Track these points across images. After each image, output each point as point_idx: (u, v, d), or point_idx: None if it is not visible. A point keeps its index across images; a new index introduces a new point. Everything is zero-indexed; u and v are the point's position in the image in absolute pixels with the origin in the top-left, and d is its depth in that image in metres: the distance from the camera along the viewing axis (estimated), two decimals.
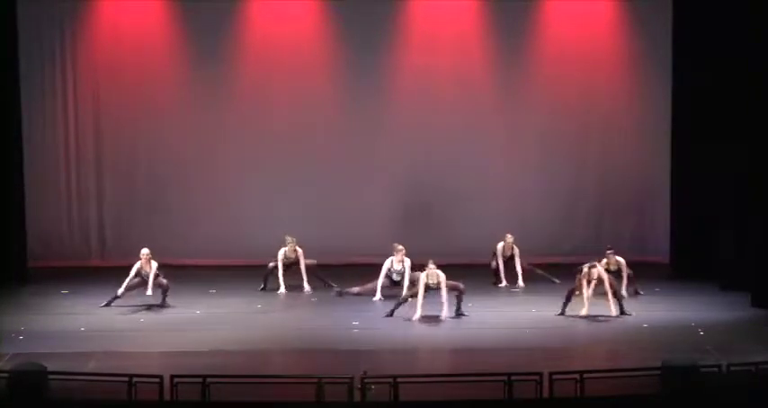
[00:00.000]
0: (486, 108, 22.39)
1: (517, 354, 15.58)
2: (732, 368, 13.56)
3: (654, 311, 18.16)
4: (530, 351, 15.81)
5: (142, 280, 18.45)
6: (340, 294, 19.33)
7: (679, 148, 21.20)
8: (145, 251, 18.54)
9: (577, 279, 17.67)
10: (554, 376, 13.19)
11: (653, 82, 22.05)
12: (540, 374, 13.20)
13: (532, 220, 21.95)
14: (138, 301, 18.79)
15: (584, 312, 17.58)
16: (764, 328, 17.00)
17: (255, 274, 20.05)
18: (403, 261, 18.94)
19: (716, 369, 13.59)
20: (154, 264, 18.47)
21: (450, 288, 17.64)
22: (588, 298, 17.60)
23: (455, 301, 17.74)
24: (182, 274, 20.75)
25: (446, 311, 17.61)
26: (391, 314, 17.78)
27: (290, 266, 19.77)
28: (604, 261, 18.74)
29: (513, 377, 13.10)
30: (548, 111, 22.30)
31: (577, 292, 17.67)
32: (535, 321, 17.65)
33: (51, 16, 21.84)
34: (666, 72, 21.40)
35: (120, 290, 18.29)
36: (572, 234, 21.56)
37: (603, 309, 18.16)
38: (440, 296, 17.61)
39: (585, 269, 17.62)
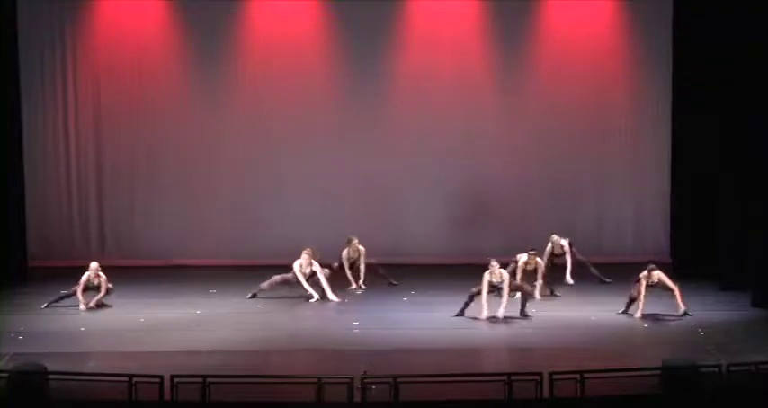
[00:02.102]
0: (486, 108, 22.39)
1: (517, 354, 15.69)
2: (732, 368, 13.59)
3: (654, 311, 18.10)
4: (530, 351, 15.88)
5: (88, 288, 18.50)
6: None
7: (679, 148, 21.21)
8: (94, 265, 18.53)
9: (638, 284, 17.75)
10: (554, 376, 13.22)
11: (654, 81, 22.05)
12: (541, 374, 13.23)
13: (532, 220, 21.97)
14: (137, 301, 18.90)
15: (638, 314, 17.64)
16: (764, 328, 17.03)
17: (256, 274, 20.05)
18: (312, 264, 19.08)
19: (716, 369, 13.63)
20: (103, 276, 18.48)
21: (514, 289, 17.68)
22: (644, 300, 17.68)
23: (521, 300, 17.73)
24: (182, 274, 20.99)
25: (502, 310, 17.53)
26: (461, 313, 17.77)
27: (353, 265, 19.86)
28: (524, 259, 18.93)
29: (513, 377, 13.14)
30: (548, 111, 22.30)
31: (635, 294, 17.78)
32: (535, 321, 17.67)
33: (51, 16, 21.83)
34: (667, 72, 21.43)
35: (82, 306, 18.29)
36: (573, 234, 21.49)
37: (603, 309, 18.27)
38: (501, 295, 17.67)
39: (645, 273, 17.67)
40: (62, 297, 18.41)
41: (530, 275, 19.01)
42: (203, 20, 21.94)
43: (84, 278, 18.41)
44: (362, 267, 19.87)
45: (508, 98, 22.40)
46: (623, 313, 17.82)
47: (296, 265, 19.13)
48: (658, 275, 17.74)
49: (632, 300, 17.86)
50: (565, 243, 20.08)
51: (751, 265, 18.60)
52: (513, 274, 18.57)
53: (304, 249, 19.23)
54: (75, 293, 18.37)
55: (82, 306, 18.28)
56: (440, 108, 22.25)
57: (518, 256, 19.17)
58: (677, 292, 17.73)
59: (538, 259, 19.09)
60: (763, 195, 18.77)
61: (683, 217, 21.02)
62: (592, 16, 22.29)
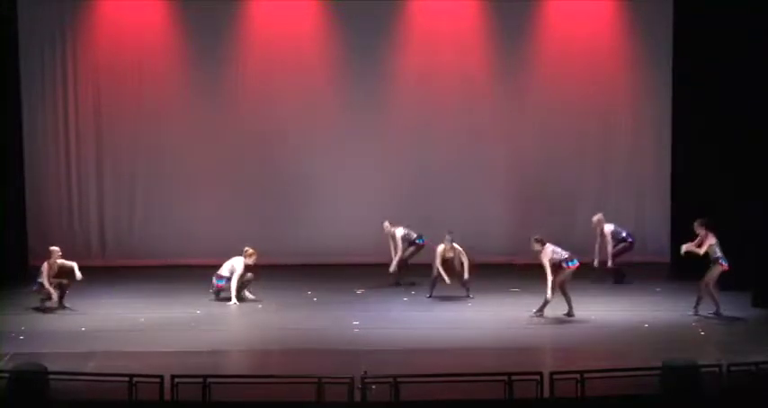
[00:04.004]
0: (486, 107, 22.42)
1: (518, 354, 15.65)
2: (732, 368, 13.59)
3: (654, 311, 18.22)
4: (530, 351, 15.90)
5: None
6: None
7: (679, 147, 21.21)
8: (56, 248, 18.53)
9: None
10: (554, 376, 13.22)
11: (654, 81, 22.08)
12: (541, 374, 13.23)
13: (533, 219, 21.92)
14: (137, 301, 18.98)
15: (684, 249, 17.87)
16: (764, 328, 17.08)
17: (256, 274, 20.01)
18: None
19: (716, 369, 13.61)
20: (59, 262, 18.37)
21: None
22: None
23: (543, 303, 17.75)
24: (182, 274, 20.95)
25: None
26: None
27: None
28: (442, 246, 19.00)
29: (513, 377, 13.12)
30: (548, 110, 22.35)
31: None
32: (536, 321, 17.67)
33: (52, 16, 21.87)
34: (667, 71, 21.44)
35: (54, 298, 18.19)
36: (572, 233, 21.50)
37: (603, 309, 18.29)
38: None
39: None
40: (40, 292, 18.27)
41: (450, 264, 19.05)
42: (204, 20, 21.99)
43: (45, 266, 18.24)
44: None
45: (508, 97, 22.43)
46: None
47: (240, 263, 19.01)
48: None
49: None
50: (608, 229, 20.22)
51: (751, 265, 18.56)
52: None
53: (248, 248, 19.11)
54: (43, 287, 18.19)
55: (54, 298, 18.15)
56: (440, 106, 22.30)
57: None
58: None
59: (455, 245, 19.01)
60: (763, 195, 18.81)
61: (683, 217, 20.96)
62: (592, 16, 22.36)
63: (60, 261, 18.38)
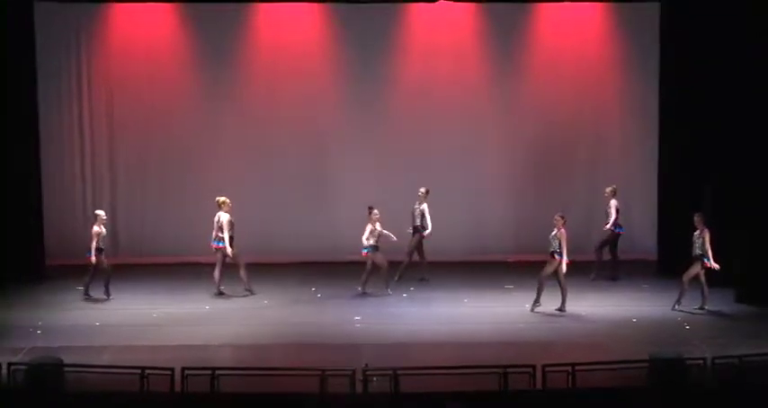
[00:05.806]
0: (483, 112, 22.64)
1: (512, 348, 15.88)
2: (716, 361, 13.85)
3: (642, 306, 18.50)
4: (524, 345, 16.10)
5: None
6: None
7: (666, 149, 21.30)
8: (101, 212, 19.32)
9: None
10: (547, 369, 13.45)
11: (641, 84, 22.27)
12: (534, 366, 13.46)
13: (527, 221, 22.16)
14: (150, 298, 19.28)
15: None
16: (747, 323, 17.40)
17: (263, 272, 20.35)
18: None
19: (701, 362, 13.89)
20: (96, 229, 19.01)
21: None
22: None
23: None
24: (192, 272, 21.05)
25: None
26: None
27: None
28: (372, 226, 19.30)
29: (508, 370, 13.35)
30: (541, 115, 22.58)
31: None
32: (529, 316, 17.97)
33: (67, 25, 22.12)
34: (654, 74, 21.54)
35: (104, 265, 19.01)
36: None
37: (592, 305, 18.62)
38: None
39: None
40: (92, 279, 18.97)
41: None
42: (212, 27, 22.24)
43: (95, 230, 18.87)
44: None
45: (504, 102, 22.67)
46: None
47: (223, 216, 19.29)
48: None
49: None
50: (614, 203, 20.57)
51: (734, 263, 18.69)
52: None
53: (218, 198, 19.41)
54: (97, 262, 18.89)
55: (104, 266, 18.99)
56: (439, 111, 22.49)
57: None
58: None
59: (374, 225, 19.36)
60: (745, 196, 18.99)
61: (669, 216, 21.09)
62: (583, 23, 22.54)
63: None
